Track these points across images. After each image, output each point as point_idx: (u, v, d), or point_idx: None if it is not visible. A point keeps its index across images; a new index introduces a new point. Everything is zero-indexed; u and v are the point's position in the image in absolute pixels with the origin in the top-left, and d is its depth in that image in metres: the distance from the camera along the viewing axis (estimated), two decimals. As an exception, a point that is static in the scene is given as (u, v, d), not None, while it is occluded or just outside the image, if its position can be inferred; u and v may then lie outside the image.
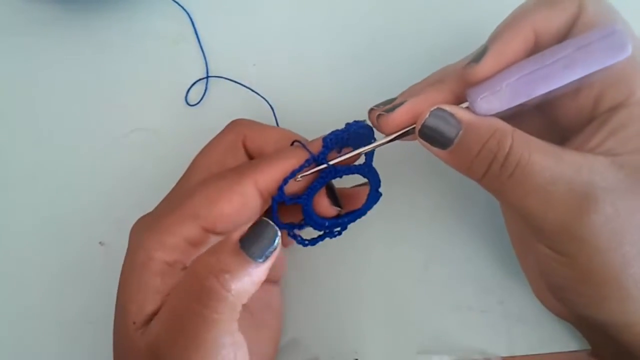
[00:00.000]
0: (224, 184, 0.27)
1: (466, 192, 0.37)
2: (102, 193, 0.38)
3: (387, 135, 0.28)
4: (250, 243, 0.25)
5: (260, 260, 0.25)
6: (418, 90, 0.29)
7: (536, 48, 0.27)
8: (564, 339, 0.35)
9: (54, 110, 0.40)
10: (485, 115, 0.27)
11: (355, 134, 0.28)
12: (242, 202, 0.27)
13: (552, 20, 0.27)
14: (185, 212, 0.27)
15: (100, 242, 0.37)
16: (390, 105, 0.28)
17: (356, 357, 0.36)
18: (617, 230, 0.25)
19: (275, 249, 0.26)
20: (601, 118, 0.27)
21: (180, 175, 0.31)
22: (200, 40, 0.40)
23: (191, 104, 0.39)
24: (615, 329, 0.27)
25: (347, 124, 0.29)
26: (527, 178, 0.25)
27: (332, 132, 0.29)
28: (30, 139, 0.39)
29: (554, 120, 0.30)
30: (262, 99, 0.39)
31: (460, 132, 0.26)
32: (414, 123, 0.27)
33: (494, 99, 0.26)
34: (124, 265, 0.28)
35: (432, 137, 0.27)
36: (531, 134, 0.27)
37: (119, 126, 0.39)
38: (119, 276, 0.28)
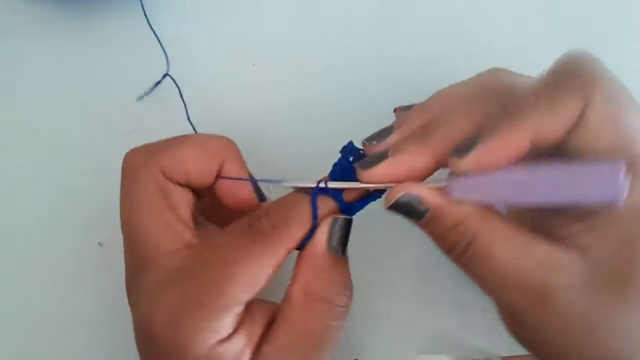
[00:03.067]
0: (258, 263, 0.26)
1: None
2: (101, 193, 0.38)
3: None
4: (338, 243, 0.27)
5: (345, 253, 0.28)
6: (402, 137, 0.28)
7: (531, 148, 0.25)
8: (564, 339, 0.35)
9: (54, 109, 0.40)
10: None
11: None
12: (276, 271, 0.26)
13: (553, 127, 0.24)
14: (229, 302, 0.25)
15: (99, 243, 0.37)
16: (378, 150, 0.28)
17: (356, 357, 0.36)
18: (567, 326, 0.24)
19: (350, 232, 0.28)
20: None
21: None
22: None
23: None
24: None
25: (342, 150, 0.29)
26: (485, 268, 0.26)
27: (333, 167, 0.29)
28: (29, 139, 0.39)
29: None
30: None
31: (427, 214, 0.26)
32: (389, 182, 0.27)
33: (470, 195, 0.25)
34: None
35: (400, 212, 0.27)
36: None
37: (118, 126, 0.39)
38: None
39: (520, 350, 0.35)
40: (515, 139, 0.24)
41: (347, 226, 0.28)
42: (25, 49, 0.41)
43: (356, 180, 0.28)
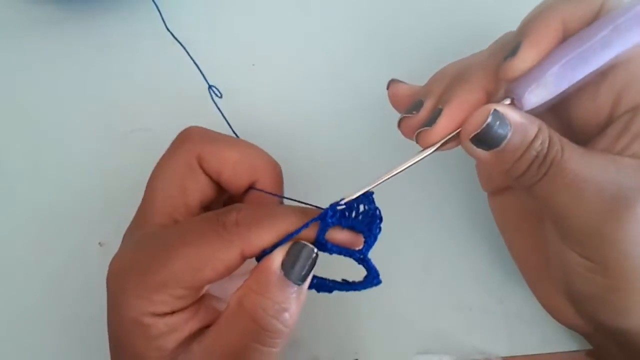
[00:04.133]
0: (208, 252, 0.25)
1: (466, 191, 0.37)
2: (101, 193, 0.38)
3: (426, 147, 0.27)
4: (294, 268, 0.26)
5: (302, 283, 0.26)
6: (445, 91, 0.28)
7: (564, 37, 0.27)
8: (564, 339, 0.35)
9: (54, 110, 0.40)
10: (532, 109, 0.27)
11: (365, 215, 0.27)
12: (227, 268, 0.26)
13: (579, 13, 0.26)
14: (169, 277, 0.25)
15: (99, 243, 0.37)
16: (424, 116, 0.28)
17: (356, 357, 0.36)
18: None
19: (314, 266, 0.27)
20: (622, 120, 0.27)
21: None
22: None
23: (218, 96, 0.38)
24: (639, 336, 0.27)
25: (357, 198, 0.27)
26: (559, 175, 0.26)
27: (335, 204, 0.27)
28: (29, 139, 0.39)
29: (569, 123, 0.30)
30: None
31: (509, 134, 0.26)
32: (456, 130, 0.27)
33: (541, 91, 0.26)
34: (113, 322, 0.27)
35: (484, 140, 0.26)
36: None
37: (118, 126, 0.39)
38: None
39: (520, 351, 0.36)
40: (553, 27, 0.26)
41: (309, 257, 0.26)
42: (25, 49, 0.41)
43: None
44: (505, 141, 0.26)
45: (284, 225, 0.26)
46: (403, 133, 0.29)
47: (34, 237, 0.38)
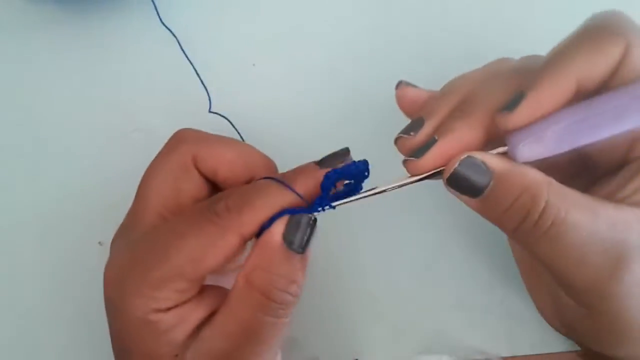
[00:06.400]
0: (206, 241, 0.25)
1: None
2: (101, 193, 0.38)
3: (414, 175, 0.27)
4: (295, 238, 0.26)
5: (304, 250, 0.26)
6: (449, 115, 0.27)
7: (577, 95, 0.25)
8: (564, 339, 0.35)
9: (54, 110, 0.40)
10: (526, 162, 0.25)
11: (355, 171, 0.27)
12: (227, 254, 0.26)
13: (596, 68, 0.24)
14: (170, 272, 0.25)
15: (99, 242, 0.37)
16: (418, 141, 0.27)
17: (356, 357, 0.36)
18: None
19: (314, 231, 0.27)
20: (635, 164, 0.26)
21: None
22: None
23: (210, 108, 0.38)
24: None
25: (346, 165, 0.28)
26: (562, 237, 0.24)
27: (328, 173, 0.27)
28: (29, 139, 0.39)
29: (585, 155, 0.29)
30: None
31: (491, 183, 0.25)
32: (444, 165, 0.26)
33: (537, 147, 0.24)
34: (118, 327, 0.27)
35: (461, 185, 0.25)
36: (559, 168, 0.26)
37: (118, 126, 0.39)
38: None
39: (520, 351, 0.36)
40: (562, 84, 0.24)
41: (308, 224, 0.26)
42: (25, 48, 0.41)
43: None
44: (487, 190, 0.25)
45: (274, 199, 0.26)
46: (399, 151, 0.28)
47: (34, 237, 0.38)
